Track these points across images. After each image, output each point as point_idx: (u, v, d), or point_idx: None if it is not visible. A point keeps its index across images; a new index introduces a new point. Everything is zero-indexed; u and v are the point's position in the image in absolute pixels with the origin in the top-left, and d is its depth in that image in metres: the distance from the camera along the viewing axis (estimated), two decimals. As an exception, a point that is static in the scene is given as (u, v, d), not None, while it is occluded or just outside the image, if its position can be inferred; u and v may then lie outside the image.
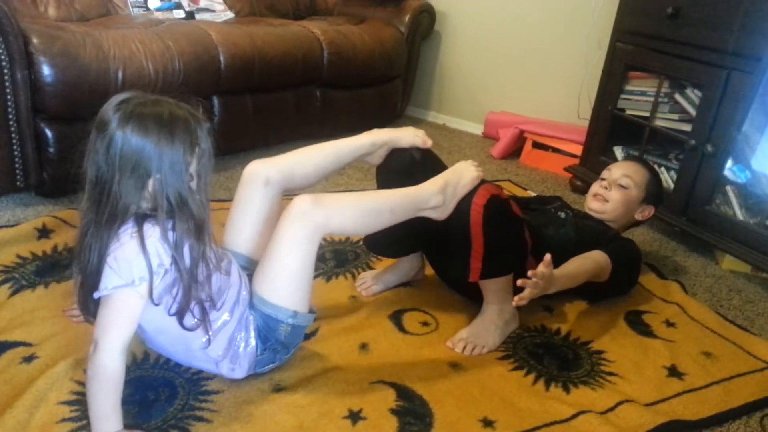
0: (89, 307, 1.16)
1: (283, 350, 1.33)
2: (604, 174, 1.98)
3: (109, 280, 1.08)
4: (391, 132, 1.59)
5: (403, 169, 1.58)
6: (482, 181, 1.47)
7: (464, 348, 1.51)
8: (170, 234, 1.10)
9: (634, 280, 1.88)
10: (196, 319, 1.17)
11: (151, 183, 1.09)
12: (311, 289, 1.31)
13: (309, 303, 1.32)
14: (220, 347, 1.25)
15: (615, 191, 1.90)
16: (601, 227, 1.87)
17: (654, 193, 1.94)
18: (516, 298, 1.35)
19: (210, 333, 1.21)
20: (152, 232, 1.09)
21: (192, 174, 1.12)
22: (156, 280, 1.10)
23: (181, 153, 1.09)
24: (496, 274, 1.50)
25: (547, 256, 1.37)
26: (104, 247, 1.09)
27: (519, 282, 1.35)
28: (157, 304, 1.12)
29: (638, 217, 1.93)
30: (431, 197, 1.40)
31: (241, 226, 1.42)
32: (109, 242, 1.09)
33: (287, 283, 1.27)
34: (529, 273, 1.34)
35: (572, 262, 1.62)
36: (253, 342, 1.28)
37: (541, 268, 1.35)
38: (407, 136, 1.58)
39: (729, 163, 2.08)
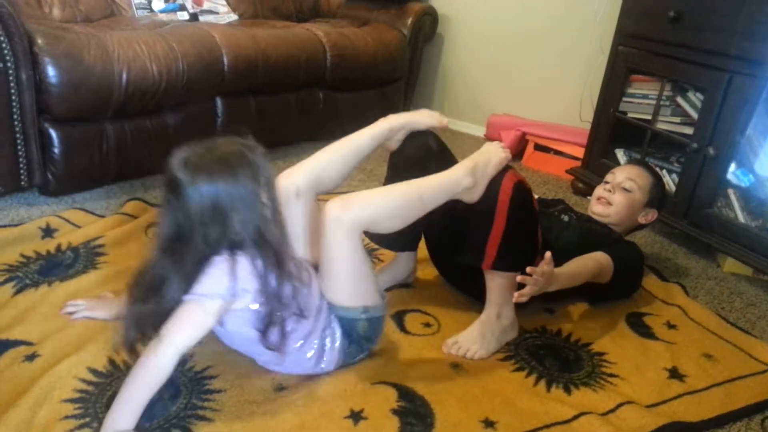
0: (146, 327, 1.20)
1: (367, 343, 1.40)
2: (608, 177, 1.98)
3: (194, 288, 1.14)
4: (408, 116, 1.61)
5: (416, 156, 1.60)
6: (508, 166, 1.48)
7: (457, 351, 1.51)
8: (256, 262, 1.16)
9: (637, 284, 1.89)
10: (277, 340, 1.23)
11: (232, 224, 1.15)
12: (373, 279, 1.36)
13: (377, 292, 1.36)
14: (311, 348, 1.32)
15: (619, 195, 1.91)
16: (605, 230, 1.87)
17: (657, 197, 1.95)
18: (516, 294, 1.36)
19: (286, 353, 1.28)
20: (242, 259, 1.16)
21: (265, 202, 1.18)
22: (237, 303, 1.17)
23: (249, 188, 1.15)
24: (507, 267, 1.49)
25: (548, 254, 1.37)
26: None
27: (519, 278, 1.35)
28: (221, 325, 1.20)
29: (641, 220, 1.94)
30: (462, 179, 1.40)
31: (292, 243, 1.45)
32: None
33: (346, 285, 1.33)
34: (529, 270, 1.34)
35: (574, 261, 1.63)
36: (339, 339, 1.35)
37: (542, 265, 1.36)
38: (424, 118, 1.61)
39: (732, 167, 2.08)
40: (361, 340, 1.37)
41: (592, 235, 1.83)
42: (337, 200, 1.29)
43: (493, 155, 1.45)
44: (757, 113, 1.99)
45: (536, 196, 2.56)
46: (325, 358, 1.35)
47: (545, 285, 1.39)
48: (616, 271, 1.71)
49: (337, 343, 1.35)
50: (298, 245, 1.44)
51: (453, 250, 1.59)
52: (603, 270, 1.68)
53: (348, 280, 1.32)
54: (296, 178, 1.45)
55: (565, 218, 1.90)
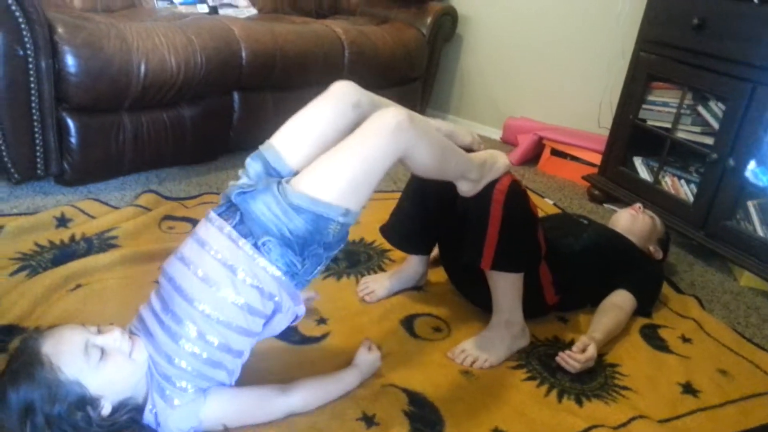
0: None
1: (325, 252, 1.20)
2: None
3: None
4: (453, 127, 1.50)
5: None
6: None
7: (464, 360, 1.50)
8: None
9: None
10: None
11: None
12: (371, 191, 1.19)
13: (364, 202, 1.19)
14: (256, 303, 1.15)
15: (644, 216, 2.00)
16: (626, 241, 1.89)
17: (666, 242, 2.06)
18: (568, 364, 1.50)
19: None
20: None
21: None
22: None
23: None
24: (507, 267, 1.48)
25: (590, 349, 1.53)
26: None
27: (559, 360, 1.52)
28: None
29: (651, 248, 1.98)
30: (473, 168, 1.38)
31: (309, 139, 1.23)
32: None
33: (347, 182, 1.14)
34: (571, 362, 1.49)
35: (608, 320, 1.67)
36: (275, 271, 1.15)
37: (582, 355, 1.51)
38: (466, 135, 1.50)
39: (751, 165, 2.04)
40: (318, 249, 1.17)
41: (612, 239, 1.86)
42: (406, 111, 1.16)
43: (499, 159, 1.45)
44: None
45: (551, 202, 2.58)
46: (277, 299, 1.17)
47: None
48: (639, 305, 1.78)
49: (271, 274, 1.14)
50: (315, 153, 1.20)
51: (455, 251, 1.58)
52: (632, 310, 1.76)
53: (352, 178, 1.14)
54: (362, 93, 1.28)
55: (585, 221, 1.93)
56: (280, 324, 1.21)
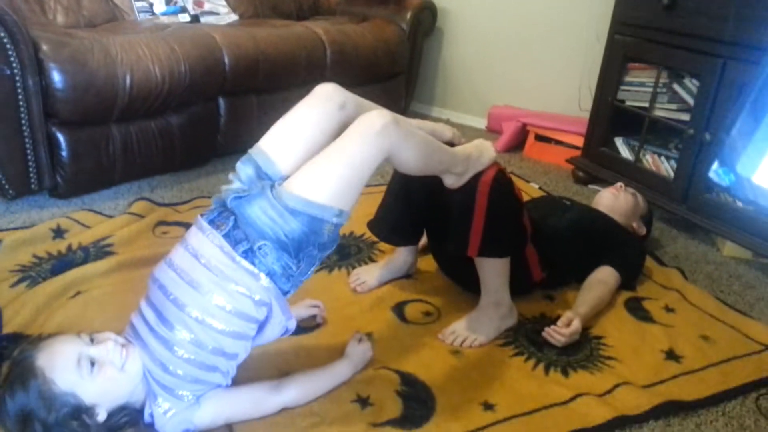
0: None
1: (319, 253, 1.24)
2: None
3: None
4: (432, 124, 1.53)
5: None
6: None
7: (454, 341, 1.55)
8: None
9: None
10: None
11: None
12: (360, 192, 1.24)
13: (353, 203, 1.23)
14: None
15: (626, 194, 2.06)
16: (610, 220, 1.95)
17: (649, 219, 2.13)
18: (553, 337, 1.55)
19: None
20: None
21: None
22: None
23: None
24: (494, 253, 1.53)
25: (575, 323, 1.57)
26: None
27: (545, 334, 1.57)
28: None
29: (634, 225, 2.05)
30: (458, 163, 1.42)
31: (298, 143, 1.26)
32: None
33: (337, 184, 1.18)
34: (556, 335, 1.54)
35: (592, 295, 1.73)
36: (267, 282, 1.18)
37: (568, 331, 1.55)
38: (447, 131, 1.52)
39: (714, 166, 2.10)
40: (313, 250, 1.21)
41: (594, 218, 1.92)
42: (389, 113, 1.21)
43: (485, 152, 1.48)
44: (744, 114, 2.00)
45: (536, 186, 2.63)
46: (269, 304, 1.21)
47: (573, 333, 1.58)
48: (623, 279, 1.83)
49: (266, 284, 1.18)
50: (304, 156, 1.24)
51: (442, 239, 1.63)
52: (616, 286, 1.81)
53: (342, 180, 1.19)
54: (347, 95, 1.32)
55: (567, 202, 1.99)
56: (273, 331, 1.24)
